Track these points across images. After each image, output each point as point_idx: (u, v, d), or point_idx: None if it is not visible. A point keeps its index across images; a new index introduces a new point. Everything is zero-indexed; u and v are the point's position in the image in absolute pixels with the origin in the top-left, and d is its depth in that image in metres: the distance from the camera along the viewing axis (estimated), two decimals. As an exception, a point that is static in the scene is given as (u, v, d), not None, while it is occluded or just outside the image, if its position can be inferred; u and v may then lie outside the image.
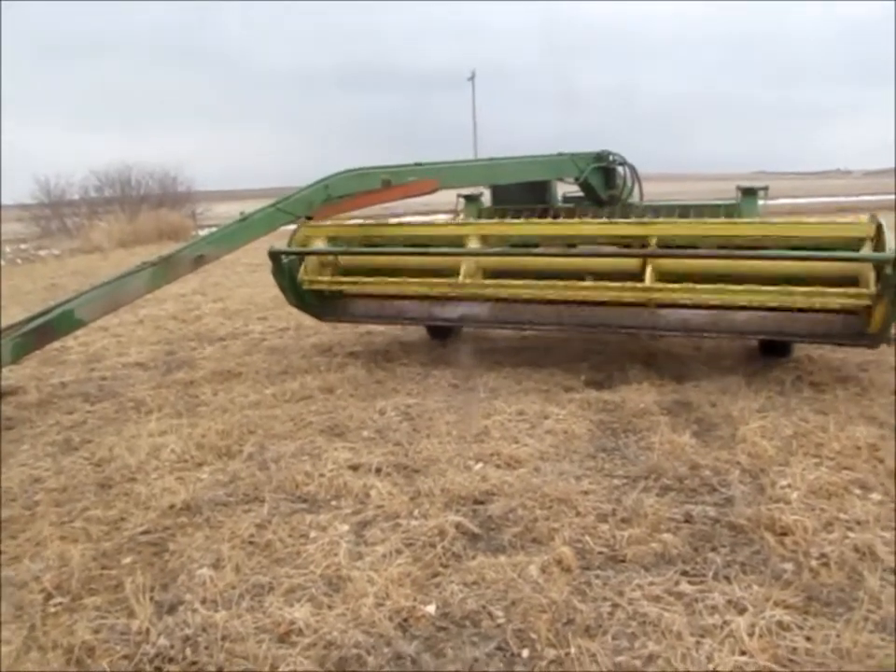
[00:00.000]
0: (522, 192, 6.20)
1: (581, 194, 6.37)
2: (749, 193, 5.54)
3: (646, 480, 3.37)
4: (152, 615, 2.46)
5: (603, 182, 6.04)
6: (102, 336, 7.34)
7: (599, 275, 4.89)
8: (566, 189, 6.72)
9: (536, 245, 5.26)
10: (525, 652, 2.21)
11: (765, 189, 5.62)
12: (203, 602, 2.50)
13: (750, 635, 2.18)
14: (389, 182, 4.89)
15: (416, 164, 5.10)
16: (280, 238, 5.62)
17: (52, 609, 2.58)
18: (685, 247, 4.76)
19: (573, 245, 5.19)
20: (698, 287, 4.58)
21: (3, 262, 18.63)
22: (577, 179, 5.94)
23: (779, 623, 2.24)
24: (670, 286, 4.64)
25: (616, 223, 5.10)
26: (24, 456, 4.12)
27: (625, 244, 4.94)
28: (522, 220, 5.49)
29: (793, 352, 5.30)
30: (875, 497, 3.12)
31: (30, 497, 3.56)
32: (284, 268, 5.48)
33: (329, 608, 2.46)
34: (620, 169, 6.02)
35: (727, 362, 5.27)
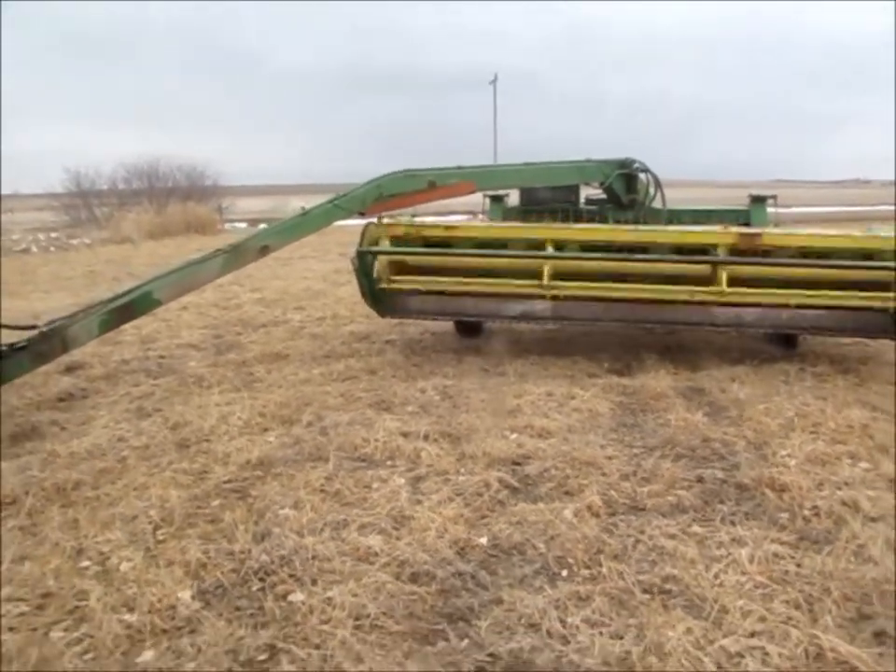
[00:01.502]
0: (549, 195, 6.66)
1: (602, 197, 6.83)
2: (759, 201, 6.01)
3: (662, 449, 3.84)
4: (250, 540, 2.95)
5: (625, 187, 6.49)
6: (151, 320, 7.83)
7: (669, 278, 5.36)
8: (587, 191, 7.17)
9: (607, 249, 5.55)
10: (565, 572, 2.69)
11: (774, 197, 6.10)
12: (292, 531, 2.98)
13: (750, 561, 2.66)
14: (434, 183, 5.38)
15: (458, 167, 5.58)
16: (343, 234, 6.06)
17: (161, 537, 3.07)
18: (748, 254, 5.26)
19: (644, 250, 5.53)
20: (764, 291, 5.23)
21: (35, 249, 19.20)
22: (601, 184, 6.39)
23: (775, 554, 2.71)
24: (743, 290, 5.23)
25: (685, 231, 5.57)
26: (105, 420, 4.62)
27: (696, 249, 5.37)
28: (597, 225, 5.94)
29: (799, 345, 5.76)
30: (863, 465, 3.58)
31: (118, 452, 4.06)
32: (367, 268, 5.71)
33: (398, 538, 2.94)
34: (642, 176, 6.47)
35: (736, 354, 5.72)
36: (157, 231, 20.62)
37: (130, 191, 26.45)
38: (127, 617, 2.47)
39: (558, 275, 5.53)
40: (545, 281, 5.47)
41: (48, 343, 4.35)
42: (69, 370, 5.88)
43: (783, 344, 5.80)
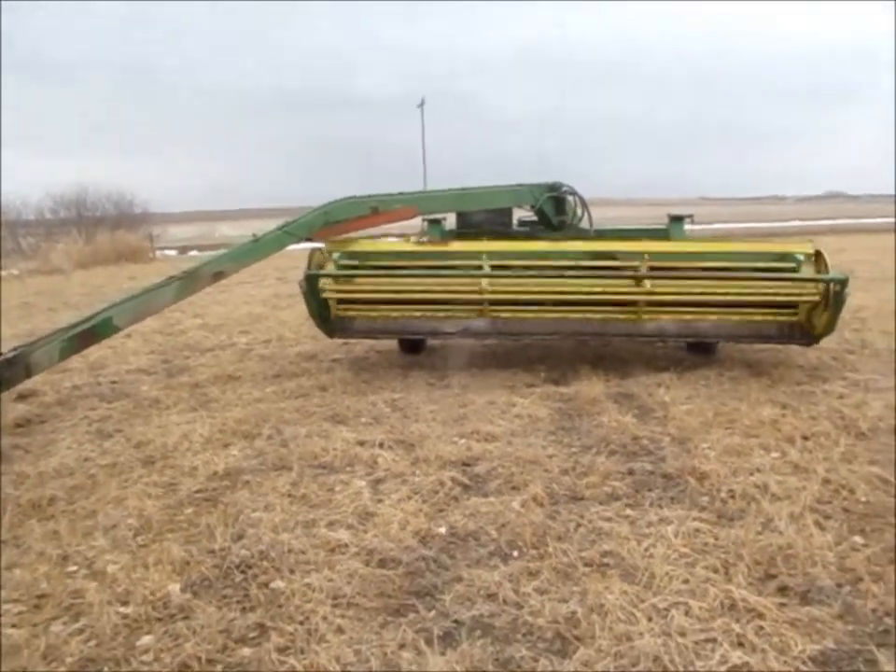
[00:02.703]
0: (484, 217, 7.05)
1: (534, 219, 7.27)
2: (677, 220, 6.54)
3: (597, 447, 4.24)
4: (228, 539, 3.21)
5: (555, 209, 6.95)
6: (97, 348, 7.88)
7: (595, 295, 5.87)
8: (519, 213, 7.60)
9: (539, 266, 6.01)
10: (515, 553, 3.04)
11: (691, 216, 6.64)
12: (267, 530, 3.26)
13: (675, 536, 3.06)
14: (377, 209, 5.73)
15: (399, 194, 5.95)
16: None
17: (142, 542, 3.30)
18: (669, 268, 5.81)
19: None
20: (680, 310, 5.80)
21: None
22: (533, 207, 6.83)
23: (696, 529, 3.12)
24: (659, 310, 5.80)
25: (605, 240, 6.19)
26: (67, 442, 4.78)
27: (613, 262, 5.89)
28: (527, 239, 6.50)
29: (717, 352, 6.28)
30: (774, 454, 4.04)
31: (86, 470, 4.24)
32: (315, 290, 6.00)
33: (364, 531, 3.24)
34: (570, 198, 6.94)
35: (662, 363, 6.20)
36: (87, 261, 20.39)
37: (57, 221, 26.03)
38: (122, 609, 2.72)
39: (496, 294, 5.93)
40: (484, 305, 5.89)
41: (11, 370, 4.51)
42: (21, 397, 5.98)
43: (703, 352, 6.31)
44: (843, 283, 5.32)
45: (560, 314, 5.94)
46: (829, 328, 5.55)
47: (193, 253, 24.33)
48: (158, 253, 24.78)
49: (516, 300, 5.97)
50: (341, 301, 6.22)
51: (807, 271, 5.61)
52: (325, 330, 6.41)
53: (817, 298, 5.53)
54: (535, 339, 6.35)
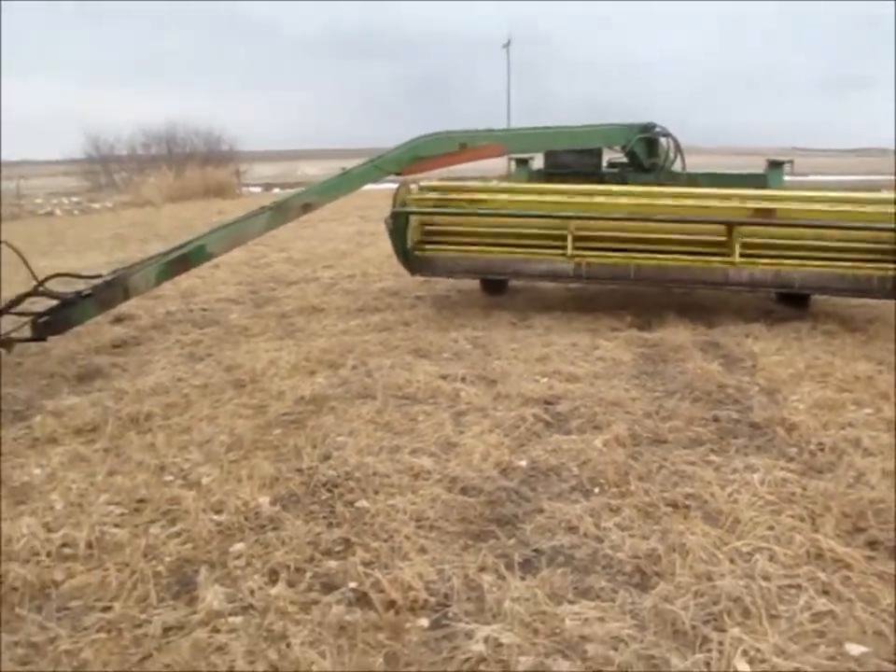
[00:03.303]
0: (573, 158, 6.92)
1: (624, 161, 7.10)
2: (776, 166, 6.28)
3: (681, 393, 4.18)
4: (315, 459, 3.32)
5: (646, 151, 6.76)
6: (186, 277, 8.11)
7: (684, 241, 5.70)
8: (609, 155, 7.43)
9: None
10: (597, 489, 3.05)
11: (791, 162, 6.38)
12: (352, 453, 3.35)
13: (761, 483, 3.01)
14: (465, 145, 5.67)
15: (488, 130, 5.87)
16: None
17: (233, 458, 3.43)
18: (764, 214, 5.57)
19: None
20: (774, 260, 5.57)
21: (59, 212, 19.54)
22: (623, 148, 6.67)
23: (783, 479, 3.06)
24: (752, 259, 5.58)
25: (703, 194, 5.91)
26: (162, 363, 4.99)
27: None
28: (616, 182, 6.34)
29: (809, 305, 6.07)
30: (867, 410, 3.91)
31: (180, 390, 4.42)
32: (400, 228, 6.08)
33: (447, 460, 3.30)
34: (663, 140, 6.74)
35: (752, 313, 6.03)
36: (177, 195, 20.92)
37: (148, 157, 26.73)
38: (216, 517, 2.85)
39: (581, 238, 5.84)
40: (569, 251, 5.80)
41: (111, 291, 4.69)
42: (118, 320, 6.25)
43: (795, 304, 6.11)
44: None
45: (647, 259, 5.83)
46: None
47: (276, 191, 24.70)
48: (244, 189, 25.24)
49: (602, 244, 5.88)
50: (424, 239, 6.24)
51: None
52: (408, 268, 6.46)
53: None
54: (620, 284, 6.25)
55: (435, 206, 6.19)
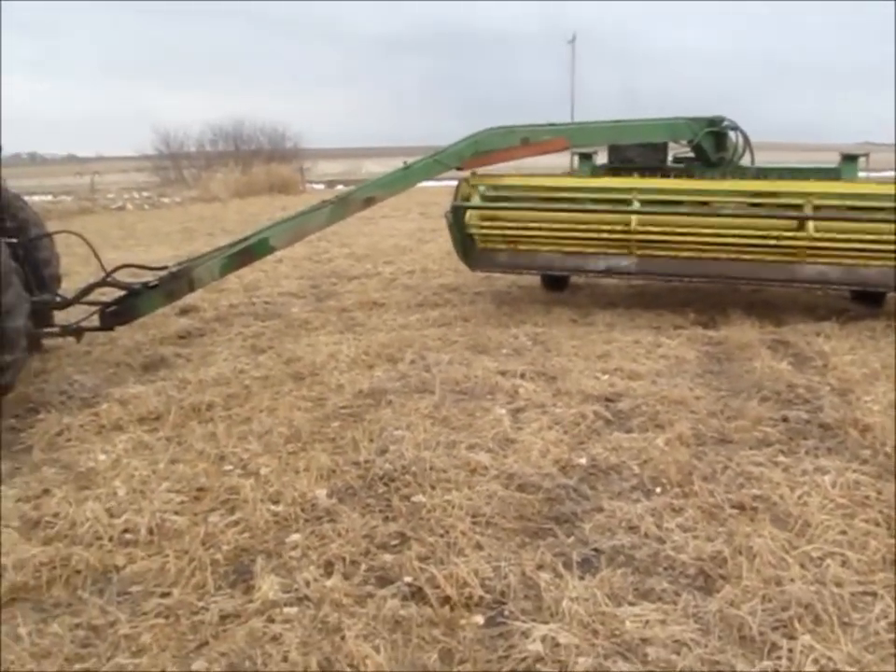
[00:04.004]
0: (637, 152, 6.77)
1: (690, 156, 6.92)
2: (850, 160, 6.04)
3: (748, 392, 4.05)
4: (373, 453, 3.31)
5: (714, 145, 6.57)
6: (250, 271, 8.28)
7: (752, 237, 5.52)
8: (675, 150, 7.26)
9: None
10: (658, 489, 2.97)
11: (866, 156, 6.12)
12: (409, 447, 3.32)
13: (833, 486, 2.89)
14: (528, 139, 5.61)
15: (550, 124, 5.80)
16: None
17: (292, 449, 3.45)
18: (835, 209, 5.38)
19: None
20: (846, 255, 5.36)
21: (131, 206, 20.06)
22: (690, 142, 6.49)
23: (856, 482, 2.93)
24: (822, 254, 5.39)
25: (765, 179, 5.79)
26: (224, 354, 5.05)
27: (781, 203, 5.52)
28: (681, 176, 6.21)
29: (885, 303, 5.83)
30: (947, 413, 3.72)
31: (241, 381, 4.47)
32: (460, 222, 6.04)
33: (504, 456, 3.26)
34: (731, 134, 6.54)
35: (822, 311, 5.82)
36: (243, 191, 21.29)
37: (216, 153, 27.30)
38: (273, 507, 2.86)
39: (645, 233, 5.72)
40: (632, 244, 5.69)
41: (177, 283, 4.77)
42: (183, 312, 6.37)
43: (870, 302, 5.87)
44: None
45: (713, 255, 5.67)
46: None
47: (340, 187, 24.88)
48: (307, 186, 25.55)
49: (666, 239, 5.74)
50: (485, 234, 6.20)
51: None
52: (468, 263, 6.42)
53: None
54: (684, 281, 6.10)
55: (495, 201, 6.14)
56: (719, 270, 5.74)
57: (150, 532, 2.69)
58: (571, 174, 7.52)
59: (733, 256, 5.63)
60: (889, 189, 5.51)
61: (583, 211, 5.88)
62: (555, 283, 6.88)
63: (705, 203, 5.71)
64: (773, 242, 5.48)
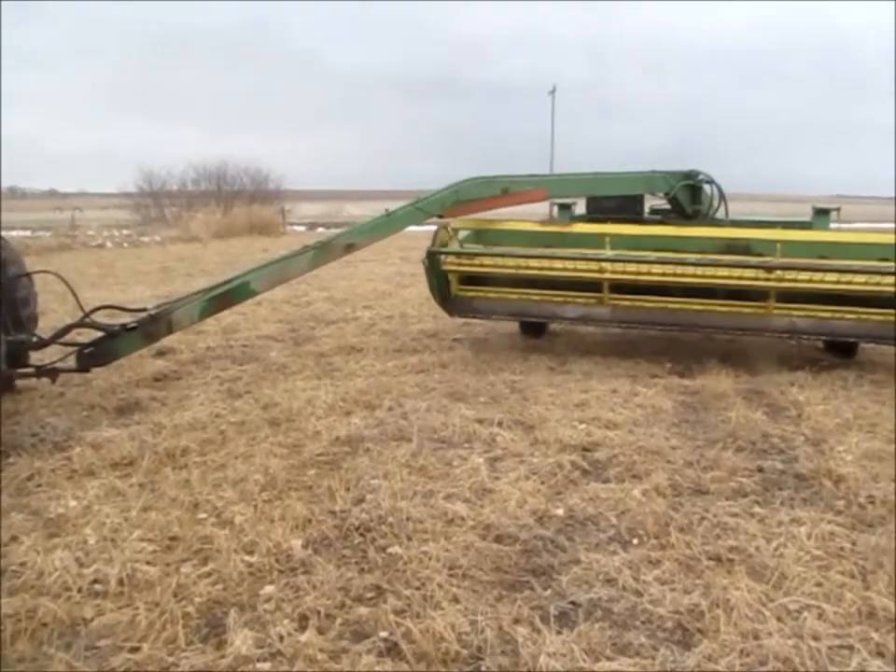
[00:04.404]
0: (615, 204, 6.90)
1: (667, 208, 7.06)
2: (822, 213, 6.18)
3: (724, 442, 4.07)
4: (349, 502, 3.28)
5: (690, 198, 6.71)
6: (228, 313, 8.24)
7: (721, 285, 5.61)
8: (652, 202, 7.40)
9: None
10: (636, 541, 2.96)
11: (837, 209, 6.27)
12: (386, 497, 3.30)
13: (808, 538, 2.91)
14: (508, 190, 5.70)
15: (531, 175, 5.89)
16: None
17: (267, 497, 3.41)
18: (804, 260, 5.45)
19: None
20: (815, 306, 5.46)
21: (110, 244, 20.00)
22: (667, 194, 6.63)
23: (831, 533, 2.95)
24: (791, 305, 5.50)
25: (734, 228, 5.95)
26: (200, 398, 5.01)
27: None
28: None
29: (857, 353, 5.92)
30: (919, 463, 3.77)
31: (217, 426, 4.43)
32: (436, 267, 6.13)
33: (481, 506, 3.24)
34: (706, 187, 6.69)
35: (796, 361, 5.90)
36: (223, 232, 21.31)
37: (198, 192, 27.39)
38: (248, 558, 2.82)
39: (617, 280, 5.81)
40: (604, 292, 5.79)
41: (155, 325, 4.74)
42: (160, 354, 6.32)
43: (842, 353, 5.95)
44: None
45: (684, 304, 5.75)
46: None
47: (320, 230, 25.03)
48: (288, 228, 25.65)
49: (638, 287, 5.82)
50: (461, 280, 6.27)
51: None
52: (445, 308, 6.48)
53: None
54: (657, 329, 6.17)
55: (472, 247, 6.24)
56: (691, 319, 5.81)
57: (121, 583, 2.64)
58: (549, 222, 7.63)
59: (704, 305, 5.71)
60: (859, 239, 5.64)
61: (556, 258, 5.96)
62: (533, 329, 6.93)
63: (675, 251, 5.80)
64: (741, 290, 5.56)
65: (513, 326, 7.16)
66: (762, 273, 5.43)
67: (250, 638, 2.29)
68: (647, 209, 7.44)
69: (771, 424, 4.38)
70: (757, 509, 3.22)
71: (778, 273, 5.39)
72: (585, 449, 3.98)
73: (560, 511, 3.21)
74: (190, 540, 2.97)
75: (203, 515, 3.23)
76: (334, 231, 6.87)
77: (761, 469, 3.69)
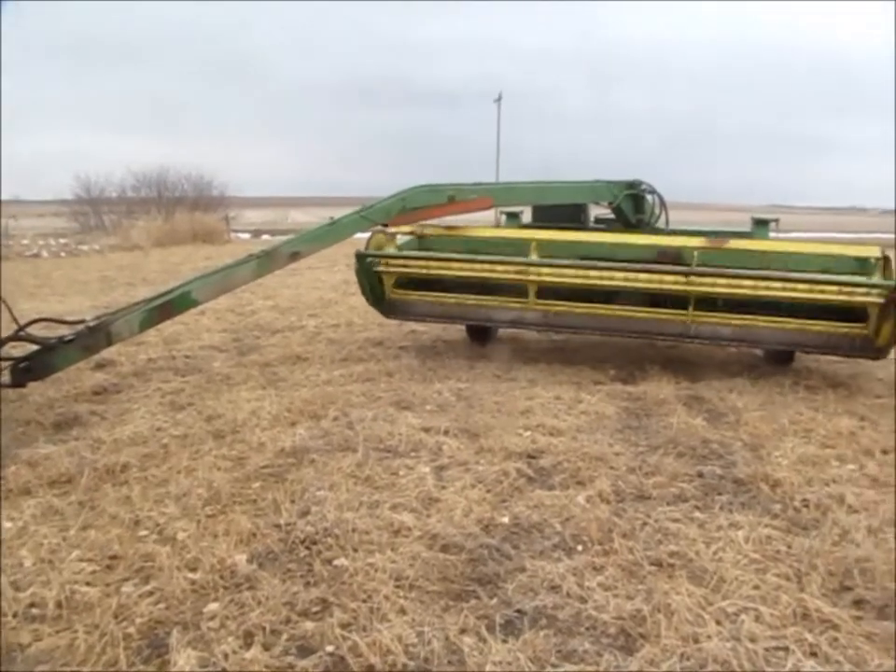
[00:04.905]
0: (560, 213, 6.99)
1: (611, 217, 7.18)
2: (762, 224, 6.36)
3: (665, 448, 4.15)
4: (294, 515, 3.25)
5: (633, 207, 6.84)
6: (170, 324, 8.10)
7: (642, 290, 5.71)
8: (597, 211, 7.52)
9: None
10: (580, 547, 3.01)
11: (776, 220, 6.45)
12: (332, 508, 3.28)
13: (746, 541, 2.98)
14: (454, 198, 5.73)
15: (476, 184, 5.93)
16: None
17: (210, 512, 3.36)
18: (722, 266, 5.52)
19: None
20: (733, 314, 5.54)
21: (46, 254, 19.51)
22: (610, 204, 6.74)
23: (768, 536, 3.04)
24: (710, 312, 5.58)
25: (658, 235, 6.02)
26: (141, 412, 4.91)
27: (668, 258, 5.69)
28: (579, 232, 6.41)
29: (794, 361, 6.09)
30: (850, 466, 3.90)
31: (159, 440, 4.35)
32: (367, 269, 6.24)
33: (428, 516, 3.25)
34: (649, 197, 6.82)
35: (735, 367, 6.05)
36: (165, 239, 20.98)
37: (138, 199, 26.88)
38: (191, 575, 2.78)
39: (542, 283, 5.91)
40: (530, 300, 5.92)
41: (94, 337, 4.65)
42: (99, 366, 6.18)
43: (780, 361, 6.12)
44: None
45: (609, 310, 5.84)
46: (893, 339, 5.13)
47: (266, 237, 24.82)
48: (232, 235, 25.35)
49: (563, 291, 5.91)
50: (397, 283, 6.33)
51: (875, 276, 5.20)
52: (379, 309, 6.61)
53: (880, 303, 5.06)
54: (586, 333, 6.27)
55: (402, 250, 6.34)
56: (617, 324, 5.90)
57: (59, 605, 2.57)
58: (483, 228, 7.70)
59: (628, 310, 5.82)
60: (784, 248, 5.77)
61: (482, 262, 6.05)
62: (480, 335, 6.99)
63: (598, 256, 5.88)
64: (662, 294, 5.67)
65: (460, 334, 7.22)
66: (680, 279, 5.53)
67: (194, 658, 2.26)
68: (592, 218, 7.55)
69: (710, 429, 4.49)
70: (697, 514, 3.29)
71: (694, 279, 5.48)
72: (530, 456, 4.02)
73: (506, 519, 3.24)
74: (131, 559, 2.91)
75: (144, 532, 3.17)
76: (280, 238, 6.82)
77: (701, 475, 3.77)
